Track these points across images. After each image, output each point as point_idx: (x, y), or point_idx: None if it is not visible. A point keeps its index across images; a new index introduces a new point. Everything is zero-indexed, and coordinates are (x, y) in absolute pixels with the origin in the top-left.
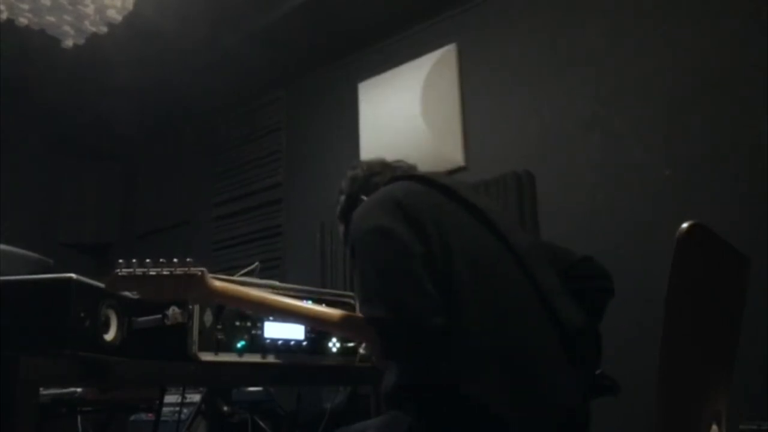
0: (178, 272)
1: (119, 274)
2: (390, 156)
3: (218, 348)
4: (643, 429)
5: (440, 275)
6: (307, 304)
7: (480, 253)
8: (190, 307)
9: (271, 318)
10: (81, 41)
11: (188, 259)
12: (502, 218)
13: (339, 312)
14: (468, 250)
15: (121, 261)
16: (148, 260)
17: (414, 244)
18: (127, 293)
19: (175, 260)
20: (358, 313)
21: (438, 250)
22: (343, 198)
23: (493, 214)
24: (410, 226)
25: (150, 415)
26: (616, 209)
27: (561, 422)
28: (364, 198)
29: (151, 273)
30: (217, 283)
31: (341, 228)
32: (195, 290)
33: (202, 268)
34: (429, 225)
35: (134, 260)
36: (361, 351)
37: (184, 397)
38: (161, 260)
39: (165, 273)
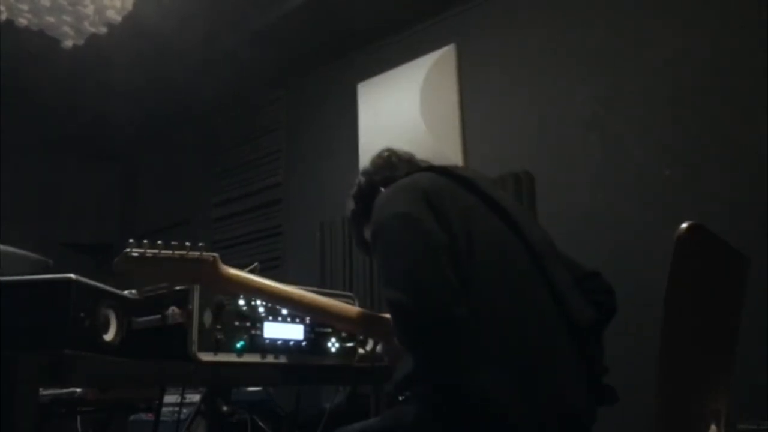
0: (190, 256)
1: (130, 254)
2: None
3: (218, 348)
4: (643, 429)
5: (462, 266)
6: (319, 297)
7: (500, 248)
8: (190, 306)
9: (272, 320)
10: (80, 42)
11: (200, 244)
12: (521, 213)
13: (354, 309)
14: (489, 245)
15: (131, 241)
16: (159, 242)
17: (438, 234)
18: (126, 293)
19: (187, 243)
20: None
21: (461, 243)
22: (363, 180)
23: (512, 210)
24: (435, 215)
25: (149, 414)
26: (615, 209)
27: (566, 422)
28: (383, 189)
29: (163, 255)
30: (231, 271)
31: (350, 205)
32: (207, 276)
33: (214, 254)
34: (453, 216)
35: (145, 241)
36: (360, 351)
37: (183, 397)
38: (173, 242)
39: (177, 256)
